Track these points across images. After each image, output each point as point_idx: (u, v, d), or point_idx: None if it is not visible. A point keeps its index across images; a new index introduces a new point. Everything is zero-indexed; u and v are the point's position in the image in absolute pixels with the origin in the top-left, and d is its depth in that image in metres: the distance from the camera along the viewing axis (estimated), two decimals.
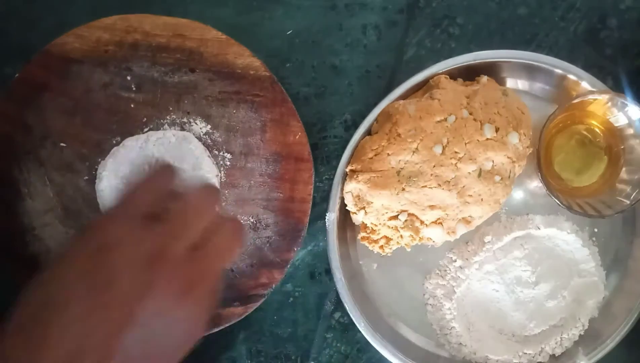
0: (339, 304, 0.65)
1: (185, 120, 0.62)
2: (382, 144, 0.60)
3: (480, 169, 0.59)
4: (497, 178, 0.59)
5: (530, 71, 0.63)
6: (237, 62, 0.62)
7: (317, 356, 0.66)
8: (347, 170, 0.62)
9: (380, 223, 0.61)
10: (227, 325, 0.62)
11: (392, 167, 0.59)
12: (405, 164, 0.59)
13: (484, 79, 0.62)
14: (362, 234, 0.62)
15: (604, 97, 0.59)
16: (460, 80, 0.63)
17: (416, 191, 0.59)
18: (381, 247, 0.62)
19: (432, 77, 0.62)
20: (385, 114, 0.61)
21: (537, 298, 0.63)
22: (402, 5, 0.66)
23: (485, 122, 0.59)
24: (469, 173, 0.59)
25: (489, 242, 0.63)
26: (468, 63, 0.62)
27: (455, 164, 0.59)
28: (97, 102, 0.62)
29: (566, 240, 0.63)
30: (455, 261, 0.64)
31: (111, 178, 0.61)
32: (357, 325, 0.62)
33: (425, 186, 0.59)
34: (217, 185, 0.62)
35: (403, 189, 0.59)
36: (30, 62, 0.62)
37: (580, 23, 0.66)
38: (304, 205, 0.62)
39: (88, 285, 0.41)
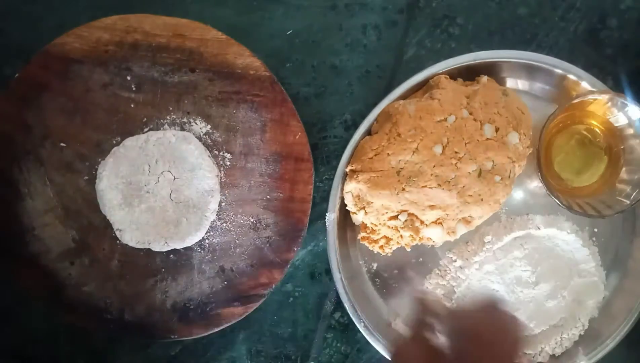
0: (339, 304, 0.65)
1: (185, 120, 0.62)
2: (382, 144, 0.60)
3: (480, 169, 0.59)
4: (497, 178, 0.59)
5: (530, 71, 0.63)
6: (237, 62, 0.62)
7: (317, 356, 0.66)
8: (347, 170, 0.62)
9: (380, 223, 0.61)
10: (227, 325, 0.62)
11: (392, 167, 0.59)
12: (405, 163, 0.59)
13: (484, 79, 0.61)
14: (362, 234, 0.62)
15: (604, 97, 0.59)
16: (460, 80, 0.63)
17: (416, 191, 0.59)
18: (381, 247, 0.62)
19: (432, 77, 0.62)
20: (385, 114, 0.61)
21: (537, 298, 0.63)
22: (402, 5, 0.66)
23: (485, 122, 0.59)
24: (469, 173, 0.59)
25: (489, 242, 0.63)
26: (468, 63, 0.62)
27: (455, 164, 0.59)
28: (97, 102, 0.62)
29: (566, 240, 0.63)
30: (455, 261, 0.64)
31: (111, 178, 0.61)
32: (357, 325, 0.62)
33: (425, 186, 0.59)
34: (217, 185, 0.62)
35: (403, 189, 0.59)
36: (30, 62, 0.62)
37: (580, 23, 0.66)
38: (304, 205, 0.62)
39: None
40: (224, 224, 0.63)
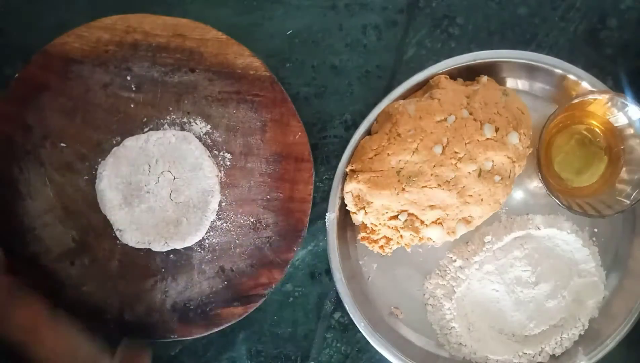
0: (339, 304, 0.65)
1: (185, 120, 0.62)
2: (382, 144, 0.60)
3: (480, 169, 0.59)
4: (497, 178, 0.59)
5: (530, 71, 0.63)
6: (237, 62, 0.62)
7: (317, 356, 0.66)
8: (347, 170, 0.62)
9: (380, 223, 0.61)
10: (227, 325, 0.62)
11: (392, 167, 0.59)
12: (405, 163, 0.59)
13: (484, 79, 0.62)
14: (362, 234, 0.62)
15: (604, 97, 0.59)
16: (460, 80, 0.63)
17: (416, 191, 0.59)
18: (381, 247, 0.62)
19: (432, 77, 0.62)
20: (385, 114, 0.61)
21: (537, 298, 0.63)
22: (402, 5, 0.66)
23: (485, 122, 0.59)
24: (469, 173, 0.59)
25: (489, 242, 0.63)
26: (468, 63, 0.62)
27: (455, 164, 0.59)
28: (97, 102, 0.62)
29: (566, 240, 0.63)
30: (455, 261, 0.64)
31: (111, 178, 0.61)
32: (357, 325, 0.62)
33: (425, 186, 0.59)
34: (217, 185, 0.62)
35: (403, 189, 0.59)
36: (30, 62, 0.62)
37: (580, 23, 0.66)
38: (304, 205, 0.62)
39: None
40: (224, 224, 0.63)
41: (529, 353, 0.63)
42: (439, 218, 0.60)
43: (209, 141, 0.63)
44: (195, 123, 0.62)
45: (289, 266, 0.62)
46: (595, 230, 0.65)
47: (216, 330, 0.63)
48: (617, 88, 0.64)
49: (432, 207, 0.59)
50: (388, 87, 0.65)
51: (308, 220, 0.62)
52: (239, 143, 0.63)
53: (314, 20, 0.66)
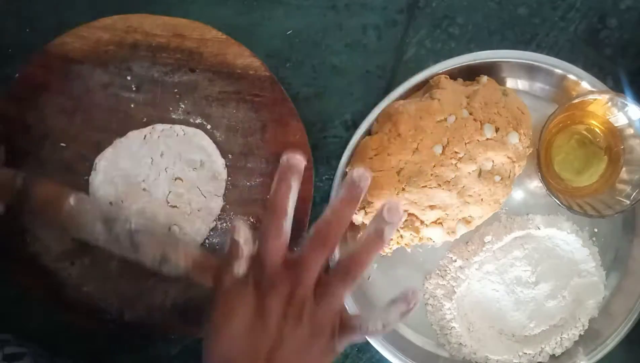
0: None
1: (184, 118, 0.62)
2: (382, 144, 0.60)
3: (480, 169, 0.59)
4: (497, 178, 0.59)
5: (530, 71, 0.63)
6: (237, 62, 0.62)
7: None
8: (347, 170, 0.62)
9: None
10: None
11: (392, 167, 0.59)
12: (405, 163, 0.59)
13: (484, 79, 0.61)
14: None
15: (604, 97, 0.59)
16: (460, 80, 0.63)
17: (416, 191, 0.59)
18: None
19: (432, 77, 0.62)
20: (385, 114, 0.61)
21: (537, 298, 0.63)
22: (402, 5, 0.66)
23: (485, 122, 0.59)
24: (469, 173, 0.59)
25: (489, 242, 0.63)
26: (468, 63, 0.62)
27: (455, 164, 0.59)
28: (97, 102, 0.62)
29: (566, 240, 0.63)
30: (455, 261, 0.64)
31: (109, 170, 0.61)
32: None
33: (425, 186, 0.59)
34: (225, 175, 0.62)
35: (403, 189, 0.59)
36: (30, 62, 0.62)
37: (580, 23, 0.66)
38: (305, 205, 0.62)
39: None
40: (224, 224, 0.63)
41: (529, 353, 0.63)
42: (439, 219, 0.60)
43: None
44: (195, 123, 0.62)
45: None
46: (595, 230, 0.65)
47: None
48: (617, 88, 0.64)
49: (432, 207, 0.59)
50: (388, 87, 0.65)
51: (309, 220, 0.62)
52: (239, 143, 0.63)
53: (314, 20, 0.66)
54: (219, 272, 0.51)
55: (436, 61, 0.62)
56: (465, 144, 0.59)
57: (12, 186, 0.56)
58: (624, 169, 0.61)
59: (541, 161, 0.59)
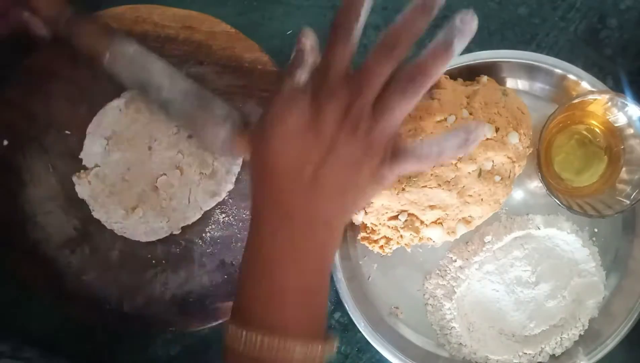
0: (339, 304, 0.65)
1: None
2: None
3: (480, 169, 0.59)
4: (497, 178, 0.59)
5: (530, 71, 0.63)
6: (245, 56, 0.62)
7: None
8: None
9: (380, 223, 0.61)
10: (225, 319, 0.62)
11: None
12: None
13: (484, 79, 0.61)
14: (362, 234, 0.62)
15: (604, 97, 0.59)
16: (460, 80, 0.63)
17: (416, 191, 0.59)
18: (381, 247, 0.62)
19: None
20: None
21: (537, 298, 0.63)
22: (402, 5, 0.66)
23: (485, 122, 0.59)
24: (469, 173, 0.59)
25: (489, 242, 0.63)
26: (468, 63, 0.62)
27: (455, 164, 0.59)
28: (103, 92, 0.62)
29: (566, 240, 0.63)
30: (455, 261, 0.64)
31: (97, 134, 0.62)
32: (357, 325, 0.62)
33: (425, 186, 0.59)
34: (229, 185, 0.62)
35: (403, 189, 0.59)
36: (38, 49, 0.62)
37: (580, 23, 0.66)
38: None
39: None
40: (227, 218, 0.62)
41: (529, 353, 0.63)
42: (439, 219, 0.60)
43: None
44: None
45: None
46: (595, 230, 0.65)
47: (215, 323, 0.62)
48: (617, 88, 0.64)
49: (432, 207, 0.59)
50: None
51: None
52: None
53: (314, 20, 0.66)
54: (279, 81, 0.50)
55: None
56: None
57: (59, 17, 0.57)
58: (624, 169, 0.61)
59: (541, 161, 0.59)
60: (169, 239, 0.63)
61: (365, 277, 0.65)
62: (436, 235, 0.60)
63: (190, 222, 0.63)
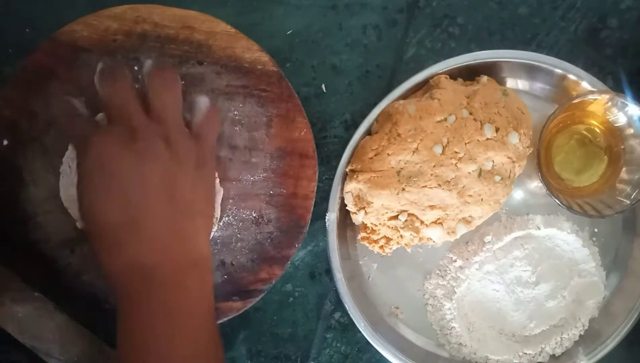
0: (339, 304, 0.65)
1: None
2: (382, 144, 0.60)
3: (480, 169, 0.59)
4: (497, 178, 0.59)
5: (530, 71, 0.63)
6: (245, 56, 0.62)
7: (317, 356, 0.66)
8: (347, 170, 0.62)
9: (380, 223, 0.61)
10: (225, 319, 0.62)
11: (392, 167, 0.59)
12: (405, 164, 0.59)
13: (484, 79, 0.62)
14: (362, 234, 0.62)
15: (604, 97, 0.59)
16: (460, 80, 0.63)
17: (416, 191, 0.59)
18: (381, 247, 0.62)
19: (432, 77, 0.62)
20: (385, 114, 0.61)
21: (537, 298, 0.63)
22: (402, 5, 0.66)
23: (485, 122, 0.59)
24: (469, 173, 0.59)
25: (489, 242, 0.63)
26: (468, 63, 0.62)
27: (455, 164, 0.59)
28: None
29: (566, 240, 0.63)
30: (455, 261, 0.64)
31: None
32: (357, 325, 0.62)
33: (425, 186, 0.59)
34: (219, 186, 0.62)
35: (403, 189, 0.59)
36: (38, 49, 0.62)
37: (581, 23, 0.66)
38: (307, 202, 0.62)
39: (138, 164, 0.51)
40: (226, 218, 0.62)
41: (529, 354, 0.63)
42: (439, 219, 0.60)
43: None
44: None
45: (289, 263, 0.62)
46: (595, 230, 0.65)
47: None
48: (617, 88, 0.64)
49: (432, 207, 0.59)
50: (388, 87, 0.65)
51: (310, 217, 0.62)
52: (244, 137, 0.62)
53: (314, 20, 0.66)
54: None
55: (436, 61, 0.62)
56: (465, 144, 0.59)
57: None
58: (624, 169, 0.61)
59: (541, 161, 0.59)
60: None
61: (365, 277, 0.65)
62: (436, 235, 0.60)
63: None
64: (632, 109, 0.58)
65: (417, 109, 0.59)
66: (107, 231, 0.50)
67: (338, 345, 0.66)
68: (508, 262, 0.63)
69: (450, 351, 0.64)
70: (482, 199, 0.60)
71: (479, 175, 0.59)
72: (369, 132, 0.63)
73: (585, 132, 0.63)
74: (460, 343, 0.63)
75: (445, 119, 0.59)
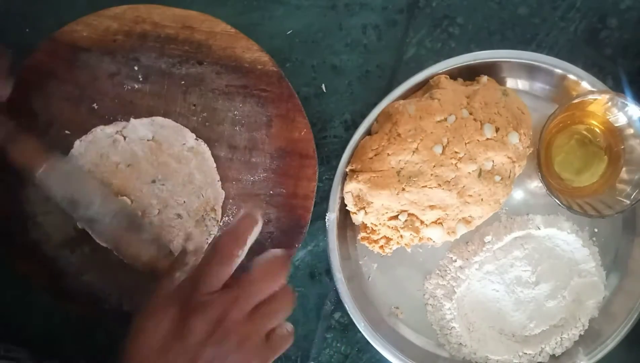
0: (339, 304, 0.65)
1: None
2: (382, 144, 0.60)
3: (480, 169, 0.59)
4: (497, 178, 0.59)
5: (530, 71, 0.63)
6: (245, 56, 0.62)
7: (317, 356, 0.66)
8: (347, 170, 0.62)
9: (380, 223, 0.61)
10: None
11: (392, 167, 0.59)
12: (405, 164, 0.59)
13: (484, 79, 0.62)
14: (362, 234, 0.62)
15: (604, 97, 0.59)
16: (460, 80, 0.63)
17: (416, 191, 0.59)
18: (381, 247, 0.62)
19: (432, 77, 0.62)
20: (385, 114, 0.61)
21: (537, 298, 0.63)
22: (402, 5, 0.66)
23: (485, 122, 0.59)
24: (469, 173, 0.59)
25: (489, 242, 0.63)
26: (468, 63, 0.62)
27: (455, 164, 0.59)
28: (104, 91, 0.62)
29: (566, 240, 0.63)
30: (455, 261, 0.64)
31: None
32: (357, 325, 0.62)
33: (425, 186, 0.59)
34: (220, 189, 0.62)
35: (403, 189, 0.59)
36: (38, 49, 0.62)
37: (580, 23, 0.66)
38: (307, 202, 0.62)
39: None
40: (226, 218, 0.62)
41: (529, 354, 0.63)
42: (439, 218, 0.60)
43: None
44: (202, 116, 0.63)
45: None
46: (595, 230, 0.65)
47: None
48: (617, 88, 0.64)
49: (432, 207, 0.59)
50: (388, 87, 0.65)
51: (310, 217, 0.62)
52: (244, 137, 0.63)
53: (314, 20, 0.66)
54: (162, 278, 0.50)
55: (436, 61, 0.62)
56: (465, 144, 0.59)
57: None
58: (624, 169, 0.61)
59: (541, 161, 0.59)
60: None
61: (365, 277, 0.65)
62: (436, 235, 0.60)
63: None
64: (632, 109, 0.58)
65: (417, 109, 0.59)
66: None
67: (338, 345, 0.66)
68: (508, 262, 0.63)
69: (450, 351, 0.64)
70: (482, 199, 0.60)
71: (479, 175, 0.59)
72: (369, 132, 0.63)
73: (585, 132, 0.63)
74: (460, 343, 0.63)
75: (445, 119, 0.59)
